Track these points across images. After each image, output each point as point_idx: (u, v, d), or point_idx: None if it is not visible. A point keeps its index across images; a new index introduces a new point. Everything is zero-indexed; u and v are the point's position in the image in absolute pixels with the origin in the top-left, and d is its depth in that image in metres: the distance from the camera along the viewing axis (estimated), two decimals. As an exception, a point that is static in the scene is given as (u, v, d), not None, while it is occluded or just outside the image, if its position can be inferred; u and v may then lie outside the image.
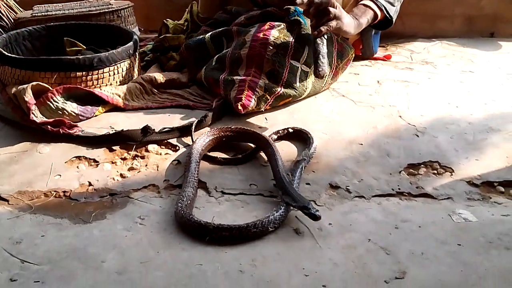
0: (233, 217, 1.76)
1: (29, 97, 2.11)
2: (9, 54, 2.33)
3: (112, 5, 3.12)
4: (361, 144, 2.12)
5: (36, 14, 3.10)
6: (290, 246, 1.63)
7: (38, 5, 3.34)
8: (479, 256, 1.57)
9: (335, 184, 1.92)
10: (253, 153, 2.07)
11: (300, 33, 2.37)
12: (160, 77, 2.47)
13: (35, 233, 1.68)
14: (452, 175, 1.95)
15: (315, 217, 1.63)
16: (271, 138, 2.14)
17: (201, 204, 1.84)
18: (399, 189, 1.89)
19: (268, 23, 2.41)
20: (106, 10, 3.02)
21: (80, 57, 2.26)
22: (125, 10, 3.11)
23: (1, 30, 3.09)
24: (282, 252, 1.60)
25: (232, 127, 2.10)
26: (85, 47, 2.68)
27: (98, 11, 3.01)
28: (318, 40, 2.31)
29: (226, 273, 1.51)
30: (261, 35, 2.33)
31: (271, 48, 2.30)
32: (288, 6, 2.43)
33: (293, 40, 2.34)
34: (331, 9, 2.29)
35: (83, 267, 1.54)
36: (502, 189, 1.90)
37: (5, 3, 3.22)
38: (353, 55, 2.65)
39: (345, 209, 1.80)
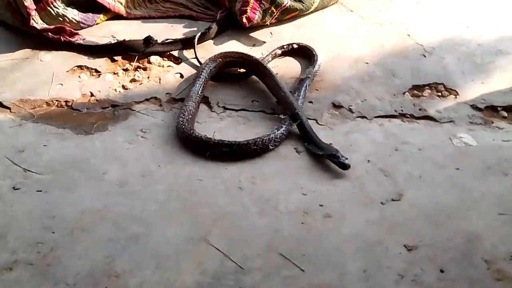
0: (234, 133, 1.77)
1: (29, 2, 2.05)
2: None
3: None
4: (367, 63, 2.08)
5: None
6: (290, 165, 1.65)
7: None
8: (476, 180, 1.59)
9: (338, 103, 1.91)
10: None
11: None
12: (163, -16, 2.38)
13: (38, 142, 1.70)
14: (456, 98, 1.93)
15: (345, 166, 1.58)
16: (275, 53, 2.10)
17: (203, 119, 1.84)
18: (402, 110, 1.88)
19: None
20: None
21: (80, -40, 2.17)
22: None
23: None
24: (282, 171, 1.62)
25: (253, 58, 1.99)
26: None
27: None
28: None
29: (226, 189, 1.54)
30: None
31: (280, -43, 2.20)
32: None
33: (303, -51, 2.24)
34: None
35: (85, 177, 1.57)
36: (505, 114, 1.88)
37: None
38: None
39: (347, 129, 1.81)
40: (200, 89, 1.87)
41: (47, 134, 1.73)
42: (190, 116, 1.77)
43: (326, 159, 1.63)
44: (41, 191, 1.50)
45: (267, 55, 2.07)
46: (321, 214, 1.45)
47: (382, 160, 1.65)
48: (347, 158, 1.60)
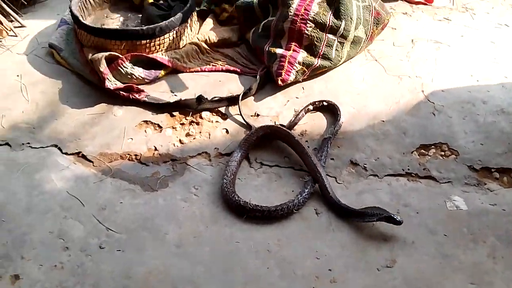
0: (267, 192, 2.20)
1: (103, 67, 2.50)
2: (85, 22, 2.68)
3: None
4: (383, 121, 2.44)
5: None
6: (309, 226, 2.08)
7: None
8: (458, 248, 1.98)
9: (355, 161, 2.30)
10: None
11: (339, 5, 2.58)
12: (213, 36, 2.78)
13: (115, 199, 2.19)
14: (457, 158, 2.28)
15: (400, 223, 1.97)
16: (308, 108, 2.48)
17: (243, 175, 2.28)
18: (408, 169, 2.26)
19: (310, -5, 2.63)
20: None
21: (144, 28, 2.58)
22: None
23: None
24: (302, 233, 2.05)
25: (295, 138, 2.30)
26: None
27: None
28: None
29: (257, 252, 1.99)
30: (302, 9, 2.56)
31: (311, 24, 2.55)
32: None
33: (331, 15, 2.57)
34: None
35: (151, 237, 2.05)
36: (497, 175, 2.23)
37: None
38: (389, 20, 2.82)
39: (359, 188, 2.21)
40: (244, 151, 2.30)
41: (122, 191, 2.22)
42: (232, 177, 2.22)
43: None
44: (120, 250, 2.00)
45: (301, 110, 2.46)
46: (328, 279, 1.89)
47: (384, 224, 2.03)
48: (398, 214, 2.00)
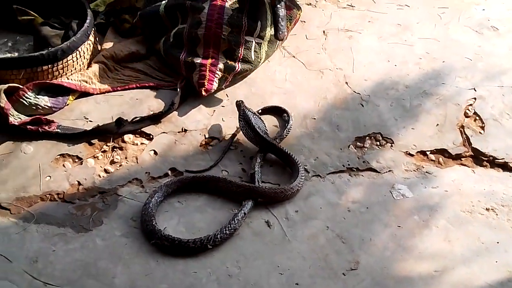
0: (212, 211, 2.05)
1: (3, 102, 2.22)
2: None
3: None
4: (314, 118, 2.39)
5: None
6: (265, 241, 1.98)
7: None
8: (415, 237, 1.97)
9: (296, 164, 2.23)
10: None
11: (251, 5, 2.49)
12: (120, 51, 2.57)
13: (46, 248, 1.94)
14: (392, 146, 2.29)
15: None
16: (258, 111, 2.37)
17: (183, 198, 2.10)
18: (348, 164, 2.22)
19: (219, -3, 2.52)
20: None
21: (44, 52, 2.33)
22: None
23: None
24: (259, 249, 1.94)
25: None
26: (36, 15, 2.69)
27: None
28: (278, 5, 2.49)
29: (217, 279, 1.86)
30: (215, 13, 2.44)
31: (226, 27, 2.44)
32: None
33: (246, 17, 2.48)
34: None
35: (98, 285, 1.84)
36: (433, 157, 2.26)
37: None
38: (300, 15, 2.78)
39: (305, 192, 2.13)
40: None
41: (51, 237, 1.97)
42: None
43: None
44: (64, 306, 1.79)
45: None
46: (298, 294, 1.82)
47: (338, 225, 2.00)
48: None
